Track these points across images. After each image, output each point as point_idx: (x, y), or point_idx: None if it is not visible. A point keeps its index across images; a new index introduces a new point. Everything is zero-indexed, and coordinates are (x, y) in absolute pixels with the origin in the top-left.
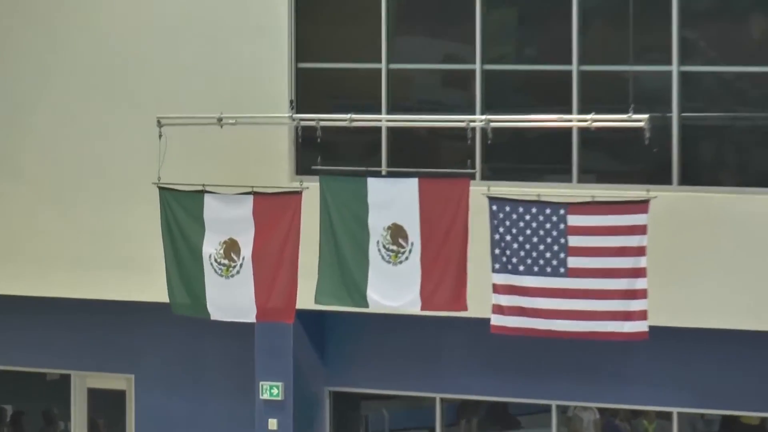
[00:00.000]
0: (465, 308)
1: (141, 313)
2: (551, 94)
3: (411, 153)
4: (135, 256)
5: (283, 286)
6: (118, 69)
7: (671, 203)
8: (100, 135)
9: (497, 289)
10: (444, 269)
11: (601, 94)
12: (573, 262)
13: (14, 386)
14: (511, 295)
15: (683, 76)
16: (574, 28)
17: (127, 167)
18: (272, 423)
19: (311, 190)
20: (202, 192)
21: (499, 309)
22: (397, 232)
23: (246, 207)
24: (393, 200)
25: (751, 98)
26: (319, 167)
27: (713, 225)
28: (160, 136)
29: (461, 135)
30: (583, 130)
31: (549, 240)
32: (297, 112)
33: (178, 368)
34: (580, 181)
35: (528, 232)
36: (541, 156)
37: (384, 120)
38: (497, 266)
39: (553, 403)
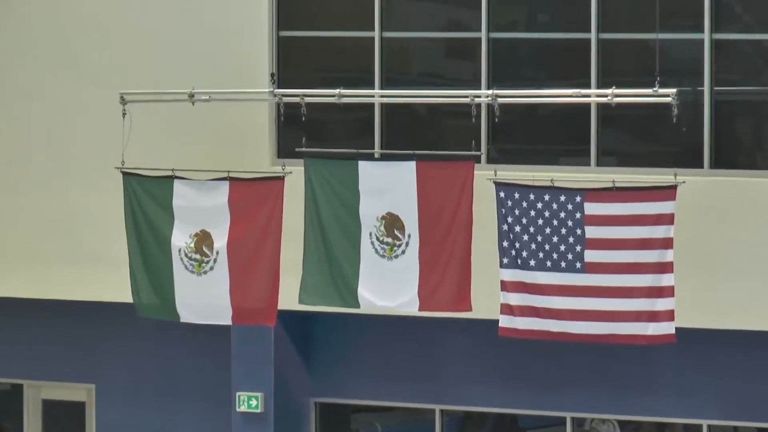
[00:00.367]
0: (469, 308)
1: (103, 315)
2: (567, 66)
3: (408, 133)
4: (97, 251)
5: (262, 285)
6: (77, 38)
7: (702, 189)
8: (59, 113)
9: (506, 286)
10: (445, 265)
11: (623, 66)
12: (591, 255)
13: None
14: (522, 294)
15: (716, 44)
16: None
17: (89, 149)
18: None
19: (295, 175)
20: (172, 178)
21: (508, 309)
22: (392, 223)
23: (221, 195)
24: (387, 187)
25: None
26: (303, 149)
27: (749, 214)
28: (124, 114)
29: (465, 112)
30: (602, 107)
31: (564, 231)
32: (279, 87)
33: (144, 377)
34: (599, 164)
35: (540, 222)
36: (555, 136)
37: (377, 96)
38: (506, 261)
39: (568, 415)
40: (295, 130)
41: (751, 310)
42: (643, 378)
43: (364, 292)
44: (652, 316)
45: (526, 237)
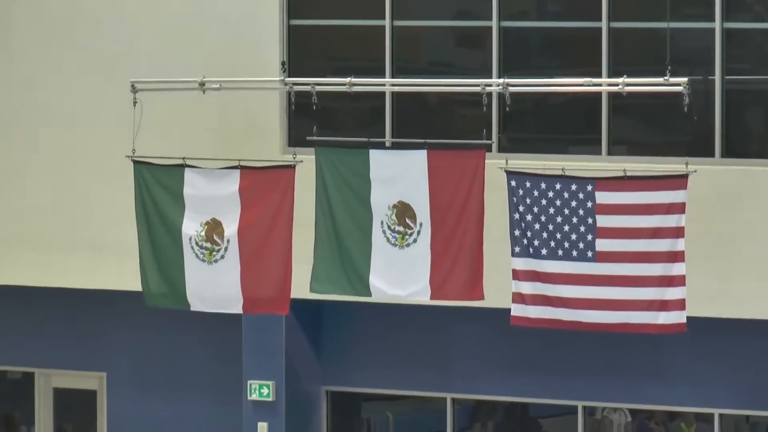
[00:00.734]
0: (481, 297)
1: (114, 304)
2: (578, 55)
3: (419, 121)
4: (107, 239)
5: (273, 273)
6: (87, 26)
7: (713, 178)
8: (68, 101)
9: (517, 275)
10: (457, 253)
11: (634, 55)
12: (602, 244)
13: None
14: (533, 282)
15: (727, 33)
16: None
17: (99, 138)
18: (262, 427)
19: (306, 163)
20: (182, 166)
21: (519, 298)
22: (403, 211)
23: (232, 183)
24: (399, 175)
25: None
26: (314, 138)
27: (760, 202)
28: (135, 102)
29: (476, 101)
30: (613, 96)
31: (575, 220)
32: (289, 76)
33: (155, 366)
34: (610, 153)
35: (551, 211)
36: (566, 125)
37: (388, 84)
38: (517, 250)
39: (580, 404)
40: (305, 119)
41: (763, 298)
42: (654, 367)
43: (375, 280)
44: (663, 305)
45: (537, 226)
